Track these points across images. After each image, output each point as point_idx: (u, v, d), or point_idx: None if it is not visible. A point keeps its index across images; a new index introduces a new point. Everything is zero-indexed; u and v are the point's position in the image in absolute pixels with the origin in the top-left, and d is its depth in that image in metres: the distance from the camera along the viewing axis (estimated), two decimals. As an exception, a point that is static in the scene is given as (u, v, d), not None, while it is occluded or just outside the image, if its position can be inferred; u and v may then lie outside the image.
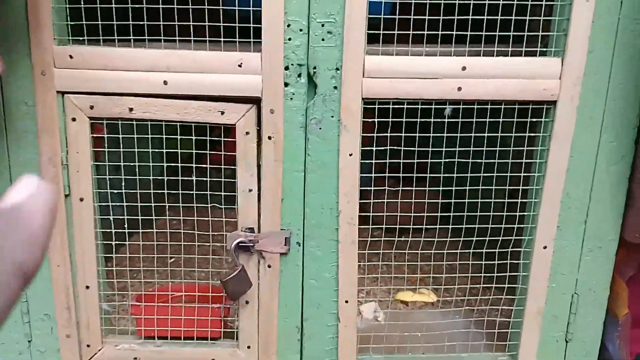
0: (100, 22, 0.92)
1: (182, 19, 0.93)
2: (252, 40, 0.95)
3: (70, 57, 0.93)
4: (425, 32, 0.98)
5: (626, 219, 1.05)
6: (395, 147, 1.04)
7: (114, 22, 0.92)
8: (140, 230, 1.13)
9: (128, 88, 0.95)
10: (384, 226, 1.10)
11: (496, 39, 0.98)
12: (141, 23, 0.94)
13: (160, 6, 0.93)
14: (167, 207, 1.12)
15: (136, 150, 1.02)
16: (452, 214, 1.07)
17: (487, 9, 0.96)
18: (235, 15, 0.95)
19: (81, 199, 1.00)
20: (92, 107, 0.96)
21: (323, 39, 0.95)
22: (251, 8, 0.93)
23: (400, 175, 1.06)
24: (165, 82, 0.95)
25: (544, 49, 1.00)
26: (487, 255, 1.09)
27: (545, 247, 1.05)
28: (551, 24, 0.98)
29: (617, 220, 1.06)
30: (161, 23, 0.93)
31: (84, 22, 0.92)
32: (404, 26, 0.97)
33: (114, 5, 0.92)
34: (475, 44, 1.00)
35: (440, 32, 0.98)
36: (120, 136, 1.00)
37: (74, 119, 0.96)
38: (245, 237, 1.00)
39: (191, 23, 0.93)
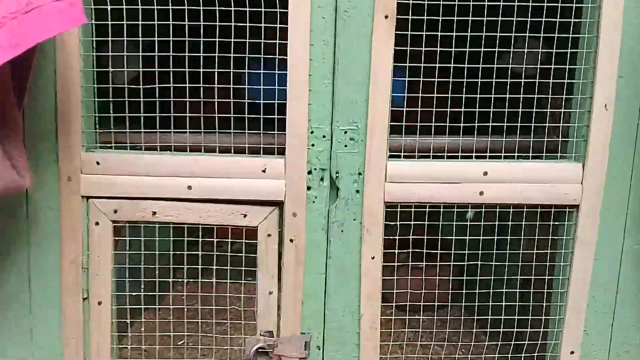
0: (128, 131, 0.94)
1: (207, 110, 0.95)
2: (276, 132, 0.96)
3: (97, 163, 0.95)
4: (447, 125, 0.99)
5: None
6: (418, 250, 1.04)
7: (141, 116, 0.94)
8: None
9: (152, 192, 0.96)
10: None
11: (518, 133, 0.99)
12: (168, 115, 0.96)
13: (187, 100, 0.95)
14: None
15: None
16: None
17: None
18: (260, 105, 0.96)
19: (99, 303, 0.99)
20: (115, 212, 0.96)
21: (346, 145, 0.96)
22: (276, 101, 0.94)
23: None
24: (189, 187, 0.95)
25: (564, 155, 1.00)
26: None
27: (572, 352, 1.02)
28: (570, 129, 0.99)
29: (644, 324, 1.03)
30: (187, 115, 0.95)
31: (112, 130, 0.94)
32: (424, 116, 0.98)
33: (142, 99, 0.94)
34: (497, 135, 1.00)
35: (462, 125, 0.98)
36: (142, 239, 1.00)
37: (97, 223, 0.96)
38: (265, 342, 0.98)
39: (216, 115, 0.94)
